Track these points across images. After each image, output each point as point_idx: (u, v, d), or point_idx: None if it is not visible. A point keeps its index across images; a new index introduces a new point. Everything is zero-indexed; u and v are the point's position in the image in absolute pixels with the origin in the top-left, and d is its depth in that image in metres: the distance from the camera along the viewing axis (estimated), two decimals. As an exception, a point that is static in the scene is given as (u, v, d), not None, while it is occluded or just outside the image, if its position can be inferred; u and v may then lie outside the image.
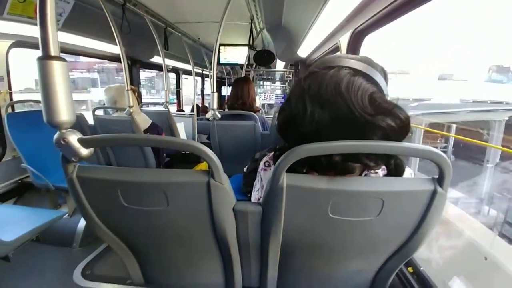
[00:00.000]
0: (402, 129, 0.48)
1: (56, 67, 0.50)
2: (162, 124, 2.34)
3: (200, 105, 5.08)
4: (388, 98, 0.50)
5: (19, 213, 1.35)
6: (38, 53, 0.51)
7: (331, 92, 0.48)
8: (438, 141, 8.69)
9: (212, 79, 1.71)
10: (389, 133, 0.47)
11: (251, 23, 2.23)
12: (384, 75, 0.53)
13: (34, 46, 1.85)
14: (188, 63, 3.13)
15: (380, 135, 0.47)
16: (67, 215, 1.63)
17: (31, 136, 1.70)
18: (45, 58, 0.50)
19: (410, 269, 0.88)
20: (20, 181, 1.85)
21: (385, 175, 0.56)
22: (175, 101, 5.14)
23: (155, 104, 3.48)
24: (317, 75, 0.51)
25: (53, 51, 0.50)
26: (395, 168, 0.55)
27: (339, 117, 0.48)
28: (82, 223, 1.59)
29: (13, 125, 1.66)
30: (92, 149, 0.56)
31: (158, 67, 3.45)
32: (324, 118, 0.48)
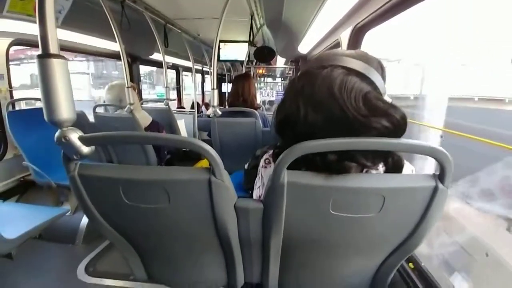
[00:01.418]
0: (398, 129, 0.48)
1: (56, 65, 0.50)
2: (162, 121, 2.33)
3: (200, 102, 5.05)
4: (385, 96, 0.50)
5: (21, 210, 1.35)
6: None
7: (324, 93, 0.47)
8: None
9: (212, 76, 1.70)
10: (384, 134, 0.47)
11: (251, 19, 2.21)
12: (381, 69, 0.52)
13: (34, 44, 1.85)
14: (188, 60, 3.11)
15: (375, 136, 0.46)
16: (69, 212, 1.64)
17: (32, 134, 1.70)
18: (45, 56, 0.50)
19: (411, 265, 0.88)
20: (22, 179, 1.85)
21: (385, 172, 0.56)
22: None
23: (148, 101, 3.43)
24: (311, 76, 0.50)
25: (53, 49, 0.50)
26: (393, 165, 0.54)
27: (333, 119, 0.47)
28: (84, 220, 1.60)
29: (14, 123, 1.66)
30: (93, 147, 0.56)
31: (158, 64, 3.43)
32: (318, 120, 0.48)
